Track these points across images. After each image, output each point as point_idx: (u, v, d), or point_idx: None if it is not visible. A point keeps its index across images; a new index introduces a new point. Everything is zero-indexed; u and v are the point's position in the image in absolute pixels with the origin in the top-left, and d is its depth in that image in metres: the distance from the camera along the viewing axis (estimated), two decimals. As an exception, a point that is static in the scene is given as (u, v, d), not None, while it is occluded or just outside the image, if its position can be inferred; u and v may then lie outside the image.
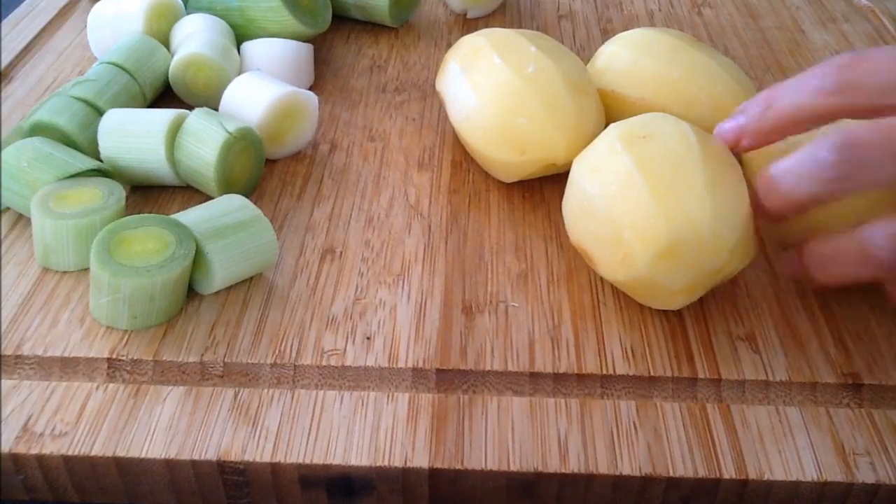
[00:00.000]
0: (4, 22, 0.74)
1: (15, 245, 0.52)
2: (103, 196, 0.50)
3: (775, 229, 0.50)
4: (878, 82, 0.40)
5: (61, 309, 0.48)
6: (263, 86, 0.58)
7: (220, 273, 0.47)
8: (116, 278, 0.44)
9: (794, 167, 0.41)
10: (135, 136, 0.54)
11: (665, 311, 0.47)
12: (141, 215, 0.47)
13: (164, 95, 0.63)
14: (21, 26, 0.73)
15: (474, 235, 0.52)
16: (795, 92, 0.42)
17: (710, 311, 0.48)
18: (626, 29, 0.72)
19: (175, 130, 0.54)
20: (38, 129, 0.55)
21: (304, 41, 0.66)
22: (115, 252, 0.45)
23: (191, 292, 0.48)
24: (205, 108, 0.55)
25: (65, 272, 0.50)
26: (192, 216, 0.48)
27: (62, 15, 0.75)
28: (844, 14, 0.78)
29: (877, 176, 0.40)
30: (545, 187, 0.56)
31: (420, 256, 0.51)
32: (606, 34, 0.66)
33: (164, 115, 0.54)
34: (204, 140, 0.53)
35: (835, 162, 0.40)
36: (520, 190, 0.56)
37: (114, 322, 0.46)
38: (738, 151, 0.46)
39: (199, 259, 0.47)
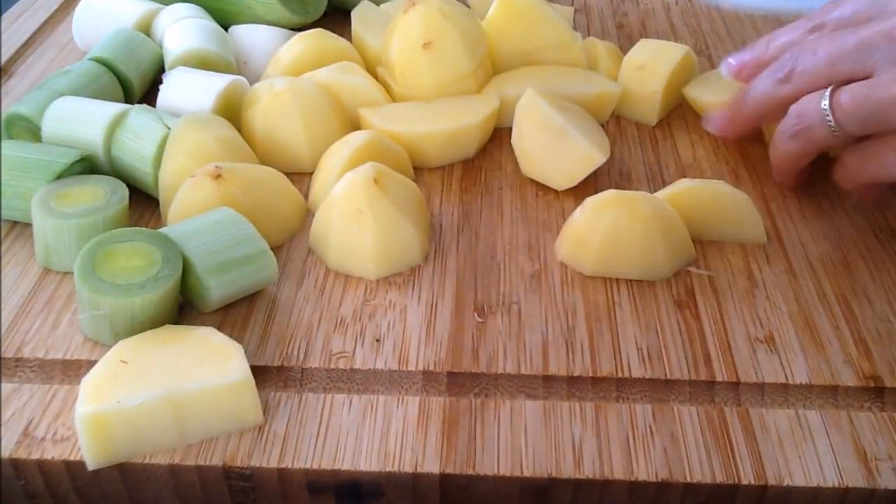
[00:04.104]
0: (4, 16, 0.73)
1: (15, 245, 0.51)
2: (105, 195, 0.49)
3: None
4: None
5: (63, 311, 0.47)
6: (200, 80, 0.57)
7: (218, 303, 0.46)
8: (96, 295, 0.42)
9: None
10: (77, 124, 0.53)
11: (681, 312, 0.47)
12: (132, 228, 0.46)
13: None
14: (21, 21, 0.72)
15: (486, 235, 0.52)
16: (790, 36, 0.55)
17: (728, 312, 0.47)
18: (641, 23, 0.72)
19: (117, 125, 0.53)
20: (12, 124, 0.55)
21: (297, 30, 0.65)
22: (98, 266, 0.43)
23: (195, 293, 0.47)
24: (144, 105, 0.55)
25: (66, 273, 0.49)
26: (196, 245, 0.45)
27: (63, 9, 0.74)
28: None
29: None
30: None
31: (431, 256, 0.50)
32: (622, 28, 0.66)
33: (110, 109, 0.54)
34: (142, 136, 0.52)
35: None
36: (532, 188, 0.55)
37: (97, 336, 0.45)
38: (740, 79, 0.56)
39: (198, 288, 0.45)
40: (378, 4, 0.68)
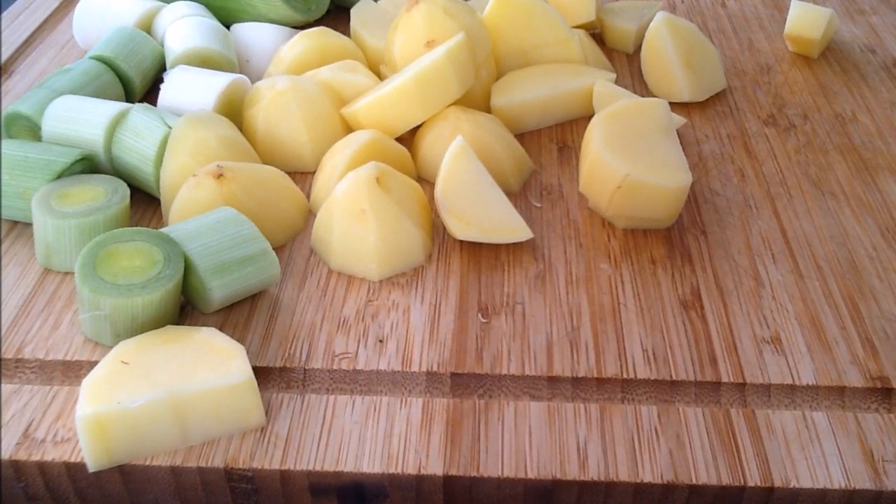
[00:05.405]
0: (5, 14, 0.73)
1: (16, 245, 0.51)
2: (107, 194, 0.49)
3: None
4: None
5: (63, 311, 0.46)
6: (201, 79, 0.57)
7: (220, 303, 0.46)
8: (96, 295, 0.42)
9: None
10: (77, 123, 0.53)
11: (687, 313, 0.46)
12: (133, 228, 0.45)
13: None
14: (21, 19, 0.72)
15: (489, 234, 0.51)
16: None
17: (734, 312, 0.46)
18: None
19: (118, 124, 0.53)
20: (12, 123, 0.54)
21: (299, 28, 0.64)
22: (99, 266, 0.43)
23: (197, 293, 0.47)
24: (145, 104, 0.54)
25: (67, 273, 0.48)
26: (197, 244, 0.45)
27: (63, 7, 0.74)
28: (873, 6, 0.77)
29: None
30: (563, 185, 0.55)
31: (434, 256, 0.50)
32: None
33: (111, 108, 0.53)
34: (143, 135, 0.52)
35: None
36: (537, 188, 0.55)
37: (98, 337, 0.44)
38: None
39: (199, 288, 0.45)
40: (376, 1, 0.68)
